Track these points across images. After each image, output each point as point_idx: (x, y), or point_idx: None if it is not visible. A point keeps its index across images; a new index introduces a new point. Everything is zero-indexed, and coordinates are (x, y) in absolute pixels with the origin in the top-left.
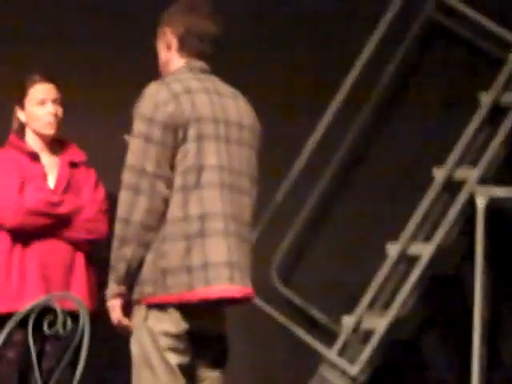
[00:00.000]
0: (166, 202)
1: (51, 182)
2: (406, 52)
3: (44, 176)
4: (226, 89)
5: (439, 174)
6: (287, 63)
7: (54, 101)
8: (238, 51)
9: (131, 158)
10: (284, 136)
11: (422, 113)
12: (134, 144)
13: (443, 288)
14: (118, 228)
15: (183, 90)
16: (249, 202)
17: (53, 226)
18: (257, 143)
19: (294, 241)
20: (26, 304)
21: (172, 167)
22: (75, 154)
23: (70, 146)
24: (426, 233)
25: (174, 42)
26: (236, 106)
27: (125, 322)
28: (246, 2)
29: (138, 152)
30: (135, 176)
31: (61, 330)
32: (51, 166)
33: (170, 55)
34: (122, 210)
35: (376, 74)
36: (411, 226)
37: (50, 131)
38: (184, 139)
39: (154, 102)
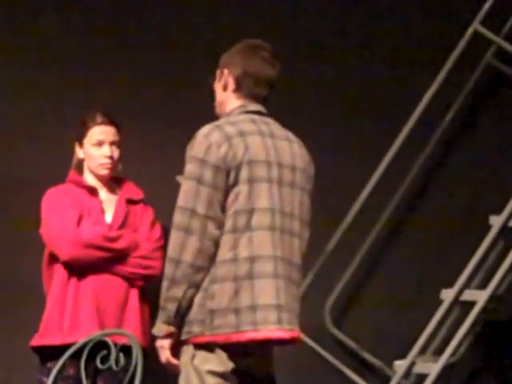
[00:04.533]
0: (216, 243)
1: (108, 218)
2: (464, 100)
3: (101, 211)
4: (281, 131)
5: (496, 222)
6: (343, 112)
7: (112, 143)
8: (291, 98)
9: (183, 199)
10: (340, 180)
11: (480, 160)
12: (186, 185)
13: (496, 334)
14: (168, 268)
15: (236, 132)
16: (299, 244)
17: (108, 260)
18: (309, 186)
19: (348, 284)
20: (80, 337)
21: (223, 209)
22: (133, 191)
23: (128, 184)
24: (480, 279)
25: (231, 83)
26: (290, 149)
27: (174, 361)
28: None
29: (190, 193)
30: (186, 217)
31: (114, 365)
32: (109, 202)
33: (226, 96)
34: (172, 250)
35: (433, 123)
36: (467, 271)
37: (103, 172)
38: (236, 181)
39: (206, 144)
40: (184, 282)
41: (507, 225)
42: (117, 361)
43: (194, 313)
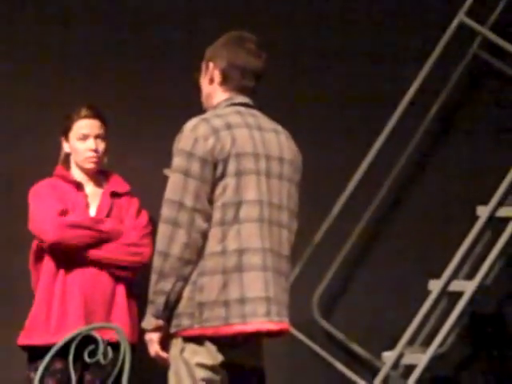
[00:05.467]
0: (205, 236)
1: (93, 211)
2: (451, 91)
3: (86, 205)
4: (268, 123)
5: (483, 212)
6: (330, 103)
7: (97, 136)
8: (278, 88)
9: (170, 192)
10: (327, 172)
11: (467, 151)
12: (174, 178)
13: (484, 325)
14: (157, 262)
15: (223, 125)
16: (287, 236)
17: (94, 243)
18: (297, 177)
19: (336, 276)
20: (67, 335)
21: (211, 201)
22: (119, 184)
23: (115, 178)
24: (468, 270)
25: (217, 76)
26: (277, 141)
27: (163, 354)
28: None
29: (177, 186)
30: (174, 210)
31: (102, 360)
32: (94, 196)
33: (213, 89)
34: (160, 243)
35: (421, 113)
36: (454, 262)
37: (89, 165)
38: (223, 174)
39: (193, 137)
40: (172, 275)
41: (494, 215)
42: (104, 355)
43: (183, 306)
